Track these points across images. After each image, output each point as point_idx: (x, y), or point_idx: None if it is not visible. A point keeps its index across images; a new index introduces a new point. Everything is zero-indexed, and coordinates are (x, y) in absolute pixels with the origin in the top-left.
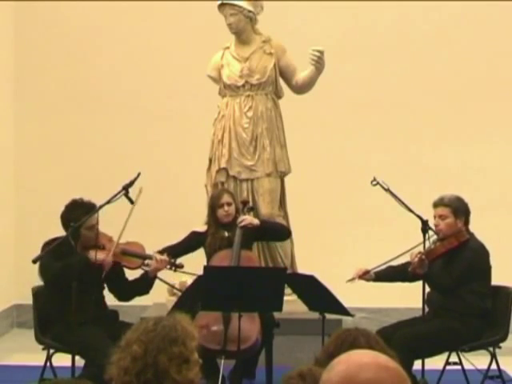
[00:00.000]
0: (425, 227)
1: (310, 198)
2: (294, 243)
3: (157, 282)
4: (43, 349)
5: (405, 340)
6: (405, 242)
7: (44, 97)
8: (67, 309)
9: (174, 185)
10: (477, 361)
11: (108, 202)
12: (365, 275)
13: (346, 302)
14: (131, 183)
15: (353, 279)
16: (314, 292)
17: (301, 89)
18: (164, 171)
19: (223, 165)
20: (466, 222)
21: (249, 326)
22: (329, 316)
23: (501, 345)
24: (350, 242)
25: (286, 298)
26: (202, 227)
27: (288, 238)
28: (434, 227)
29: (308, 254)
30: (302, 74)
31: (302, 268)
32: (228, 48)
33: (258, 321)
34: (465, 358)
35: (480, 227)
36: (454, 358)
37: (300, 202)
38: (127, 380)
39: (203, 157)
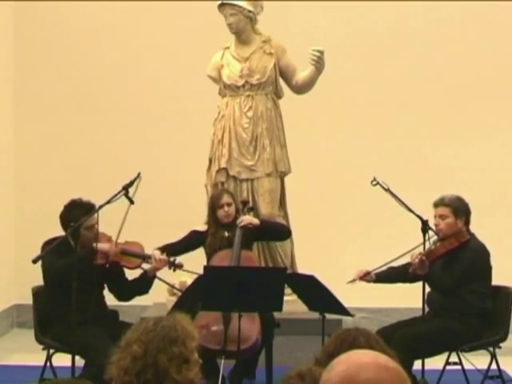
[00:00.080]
0: (425, 227)
1: (310, 198)
2: (293, 243)
3: (157, 281)
4: (43, 349)
5: (405, 340)
6: (405, 242)
7: (44, 97)
8: (67, 309)
9: (174, 185)
10: (477, 361)
11: (108, 202)
12: (365, 276)
13: (346, 302)
14: (131, 183)
15: (353, 280)
16: (314, 292)
17: (301, 89)
18: (164, 171)
19: (223, 165)
20: (467, 222)
21: (249, 326)
22: (329, 316)
23: (501, 345)
24: (350, 242)
25: (286, 297)
26: (202, 227)
27: (288, 237)
28: (434, 227)
29: (308, 254)
30: (302, 74)
31: (302, 268)
32: (228, 48)
33: (258, 321)
34: (465, 358)
35: (480, 227)
36: (454, 357)
37: (300, 202)
38: (127, 380)
39: (203, 157)
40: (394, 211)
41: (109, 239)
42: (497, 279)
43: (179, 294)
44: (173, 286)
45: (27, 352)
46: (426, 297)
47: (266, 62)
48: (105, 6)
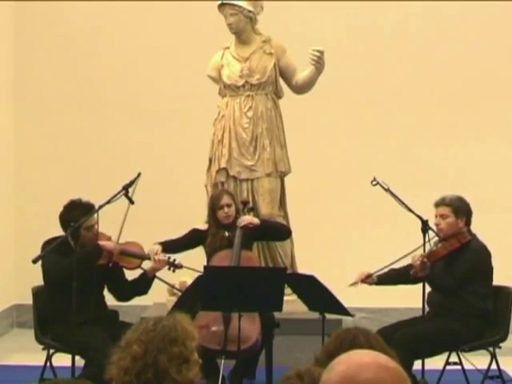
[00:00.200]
0: (425, 227)
1: (310, 198)
2: (293, 243)
3: (157, 281)
4: (43, 349)
5: (405, 340)
6: (405, 241)
7: (44, 97)
8: (67, 309)
9: (174, 185)
10: (477, 361)
11: (108, 202)
12: (367, 279)
13: (346, 302)
14: (131, 183)
15: (355, 283)
16: (314, 292)
17: (301, 89)
18: (164, 171)
19: (223, 165)
20: (468, 223)
21: (249, 326)
22: (329, 316)
23: (501, 345)
24: (350, 242)
25: (286, 297)
26: (203, 225)
27: (288, 237)
28: (434, 227)
29: (308, 254)
30: (302, 74)
31: (302, 268)
32: (228, 48)
33: (258, 321)
34: (465, 358)
35: (480, 227)
36: (454, 358)
37: (300, 202)
38: (127, 380)
39: (203, 157)
40: (394, 211)
41: (108, 239)
42: (497, 279)
43: (179, 293)
44: (173, 286)
45: (27, 352)
46: (426, 297)
47: (266, 62)
48: (105, 6)
